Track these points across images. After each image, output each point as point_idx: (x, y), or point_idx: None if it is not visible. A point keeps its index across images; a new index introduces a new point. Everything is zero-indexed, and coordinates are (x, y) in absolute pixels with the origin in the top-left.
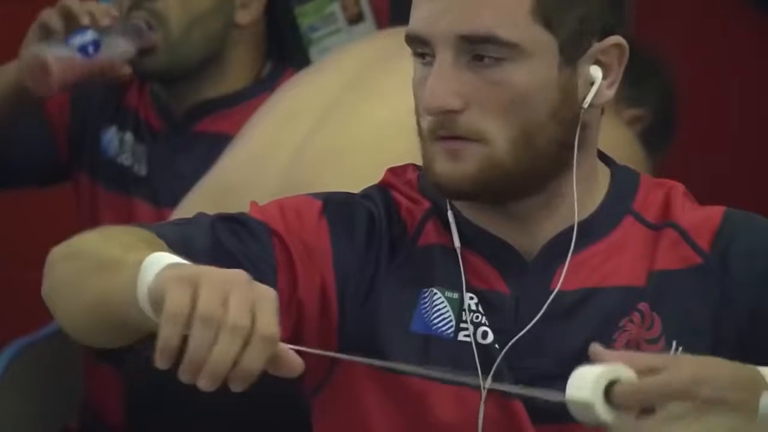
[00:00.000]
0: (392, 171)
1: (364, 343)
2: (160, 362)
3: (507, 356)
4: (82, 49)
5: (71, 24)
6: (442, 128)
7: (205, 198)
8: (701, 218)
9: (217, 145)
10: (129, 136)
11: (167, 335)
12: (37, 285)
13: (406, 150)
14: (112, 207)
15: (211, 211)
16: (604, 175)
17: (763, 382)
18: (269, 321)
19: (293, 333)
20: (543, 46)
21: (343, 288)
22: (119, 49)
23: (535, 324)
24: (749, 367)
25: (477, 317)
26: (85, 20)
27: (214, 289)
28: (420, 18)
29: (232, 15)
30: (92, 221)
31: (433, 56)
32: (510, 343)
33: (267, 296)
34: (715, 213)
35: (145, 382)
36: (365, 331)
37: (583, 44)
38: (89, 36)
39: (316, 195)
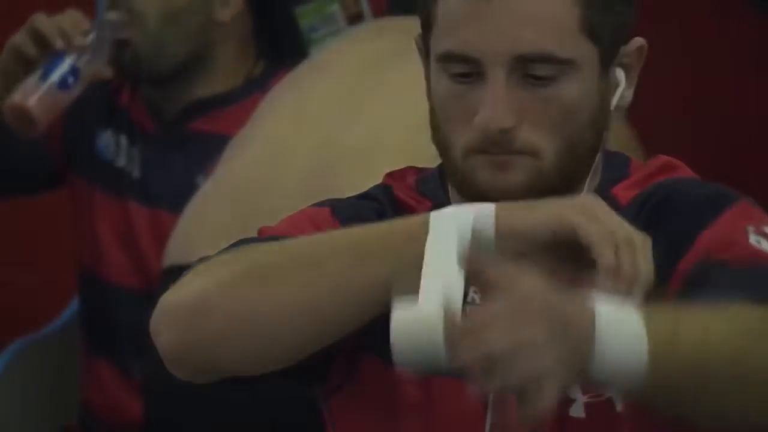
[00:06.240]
0: (390, 176)
1: (383, 336)
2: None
3: None
4: (62, 83)
5: (45, 47)
6: (494, 146)
7: (222, 197)
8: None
9: (209, 145)
10: (123, 139)
11: (608, 254)
12: (37, 285)
13: (433, 152)
14: (109, 210)
15: (230, 210)
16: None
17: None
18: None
19: None
20: (589, 58)
21: None
22: (98, 67)
23: None
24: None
25: None
26: (59, 44)
27: (611, 217)
28: (467, 38)
29: (211, 12)
30: (90, 225)
31: (477, 74)
32: None
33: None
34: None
35: (163, 390)
36: (381, 323)
37: (615, 50)
38: (66, 65)
39: (320, 204)
